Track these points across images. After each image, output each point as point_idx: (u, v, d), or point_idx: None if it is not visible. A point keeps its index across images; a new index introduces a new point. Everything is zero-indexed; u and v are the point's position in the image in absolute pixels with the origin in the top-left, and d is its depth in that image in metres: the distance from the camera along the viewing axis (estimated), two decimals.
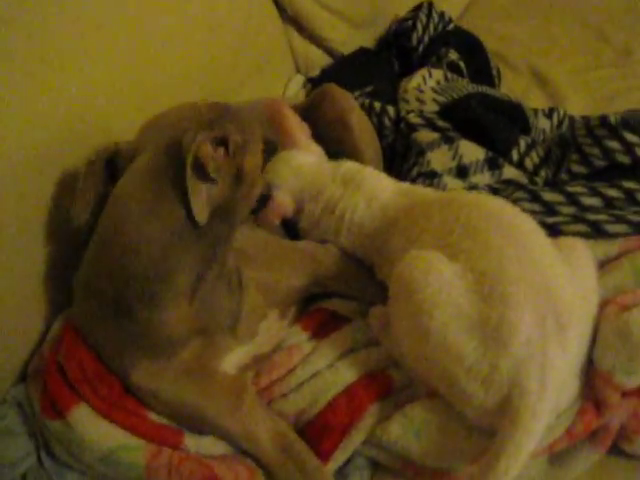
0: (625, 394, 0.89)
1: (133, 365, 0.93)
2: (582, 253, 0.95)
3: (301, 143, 1.23)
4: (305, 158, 1.20)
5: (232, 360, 0.99)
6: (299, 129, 1.25)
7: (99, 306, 0.93)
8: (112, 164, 0.96)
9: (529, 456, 0.81)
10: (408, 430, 0.92)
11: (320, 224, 1.15)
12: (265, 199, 1.12)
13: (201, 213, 0.86)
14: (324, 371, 1.00)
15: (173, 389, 0.94)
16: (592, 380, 0.89)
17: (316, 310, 1.11)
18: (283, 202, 1.15)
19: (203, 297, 0.93)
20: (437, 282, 0.86)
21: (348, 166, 1.17)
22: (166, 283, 0.89)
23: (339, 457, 0.94)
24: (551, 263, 0.89)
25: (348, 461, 0.96)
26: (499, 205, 0.99)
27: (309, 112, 1.31)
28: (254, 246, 1.08)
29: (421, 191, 1.13)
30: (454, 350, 0.84)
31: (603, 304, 0.93)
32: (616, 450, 0.91)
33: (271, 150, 1.09)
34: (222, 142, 0.90)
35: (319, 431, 0.95)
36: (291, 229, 1.21)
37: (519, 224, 0.93)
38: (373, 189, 1.11)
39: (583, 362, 0.89)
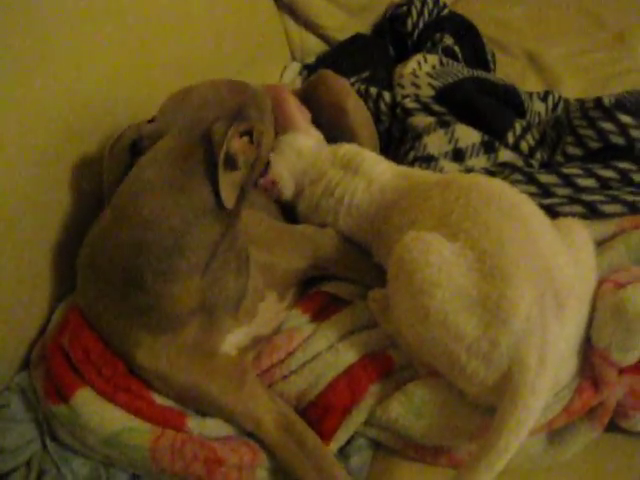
0: (622, 371, 0.89)
1: (137, 344, 0.94)
2: (581, 233, 0.96)
3: (301, 127, 1.24)
4: (306, 141, 1.22)
5: (232, 341, 1.00)
6: (299, 113, 1.26)
7: (105, 282, 0.94)
8: (135, 146, 0.98)
9: (528, 433, 0.81)
10: (408, 409, 0.92)
11: (319, 207, 1.16)
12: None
13: (230, 200, 0.90)
14: (324, 353, 1.01)
15: (176, 369, 0.95)
16: (590, 358, 0.90)
17: (316, 293, 1.12)
18: (279, 174, 1.18)
19: (214, 272, 0.95)
20: (437, 262, 0.87)
21: (347, 148, 1.19)
22: (184, 257, 0.91)
23: (341, 437, 0.95)
24: (550, 243, 0.90)
25: (349, 441, 0.97)
26: (499, 186, 0.99)
27: (305, 98, 1.31)
28: (254, 227, 1.09)
29: (420, 173, 1.14)
30: (454, 328, 0.85)
31: (599, 283, 0.94)
32: (613, 427, 0.92)
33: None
34: (247, 132, 0.94)
35: (320, 412, 0.96)
36: (290, 214, 1.22)
37: (519, 205, 0.94)
38: (372, 172, 1.12)
39: (581, 340, 0.90)
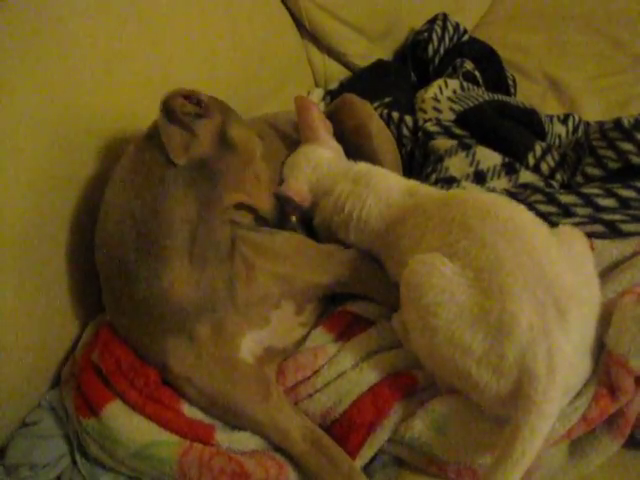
0: None
1: (165, 350, 0.97)
2: (579, 241, 0.98)
3: (321, 138, 1.26)
4: (323, 153, 1.24)
5: (248, 347, 1.01)
6: (322, 125, 1.28)
7: (113, 291, 0.98)
8: None
9: (547, 443, 0.83)
10: (430, 426, 0.93)
11: (332, 221, 1.17)
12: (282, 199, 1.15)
13: (175, 153, 0.94)
14: (349, 371, 1.02)
15: (200, 373, 0.97)
16: (606, 365, 0.91)
17: (340, 312, 1.13)
18: (297, 188, 1.19)
19: (199, 260, 0.97)
20: (440, 283, 0.90)
21: (361, 166, 1.20)
22: (161, 234, 0.94)
23: (365, 454, 0.96)
24: (547, 252, 0.91)
25: (373, 459, 0.98)
26: (494, 201, 1.01)
27: (329, 121, 1.33)
28: (273, 240, 1.11)
29: (424, 190, 1.14)
30: (462, 345, 0.87)
31: (620, 295, 0.95)
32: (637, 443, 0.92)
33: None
34: (196, 103, 0.98)
35: (345, 429, 0.97)
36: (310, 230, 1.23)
37: (514, 218, 0.96)
38: (380, 188, 1.14)
39: (591, 343, 0.90)
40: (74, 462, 1.01)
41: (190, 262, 0.96)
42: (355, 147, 1.30)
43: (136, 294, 0.96)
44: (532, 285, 0.86)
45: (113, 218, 0.97)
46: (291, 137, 1.35)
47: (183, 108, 0.96)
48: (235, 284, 1.01)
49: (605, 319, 0.93)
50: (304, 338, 1.11)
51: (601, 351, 0.92)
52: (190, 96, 0.98)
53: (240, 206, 1.04)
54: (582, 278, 0.92)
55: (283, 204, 1.14)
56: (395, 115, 1.49)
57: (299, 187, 1.19)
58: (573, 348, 0.86)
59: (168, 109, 0.94)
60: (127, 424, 0.95)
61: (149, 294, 0.95)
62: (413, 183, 1.17)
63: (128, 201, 0.96)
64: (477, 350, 0.86)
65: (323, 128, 1.28)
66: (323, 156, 1.23)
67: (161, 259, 0.94)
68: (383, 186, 1.14)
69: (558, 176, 1.34)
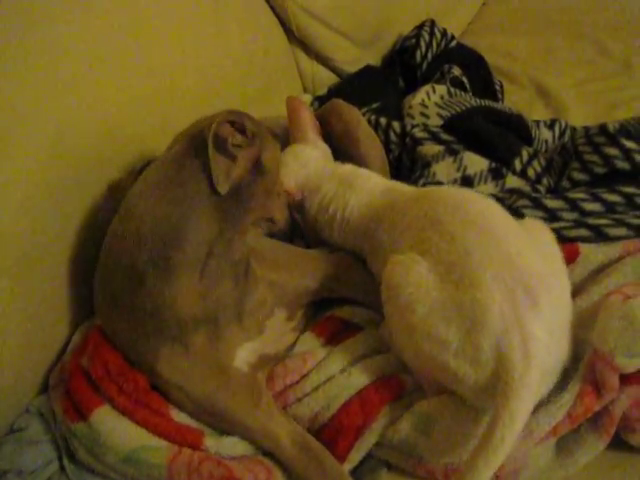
0: (626, 380, 0.91)
1: (155, 355, 0.96)
2: (544, 232, 1.02)
3: (310, 139, 1.28)
4: (312, 153, 1.25)
5: (242, 356, 1.01)
6: (311, 126, 1.29)
7: (114, 288, 0.98)
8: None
9: (533, 441, 0.85)
10: (416, 428, 0.94)
11: (317, 221, 1.19)
12: None
13: (221, 182, 0.94)
14: (338, 376, 1.02)
15: (192, 380, 0.97)
16: (592, 363, 0.91)
17: (329, 318, 1.13)
18: (286, 185, 1.20)
19: (211, 275, 0.97)
20: (415, 280, 0.92)
21: (346, 167, 1.22)
22: (180, 249, 0.94)
23: (354, 458, 0.96)
24: (516, 243, 0.93)
25: (362, 462, 0.98)
26: (464, 196, 1.04)
27: None
28: (267, 248, 1.12)
29: (400, 188, 1.16)
30: (438, 339, 0.88)
31: (607, 295, 0.97)
32: (622, 444, 0.93)
33: None
34: (240, 130, 0.98)
35: (333, 433, 0.97)
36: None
37: (483, 211, 0.98)
38: (362, 189, 1.15)
39: (566, 326, 0.92)
40: (62, 468, 1.01)
41: (200, 277, 0.96)
42: (343, 152, 1.31)
43: (138, 301, 0.95)
44: (502, 275, 0.88)
45: (133, 223, 0.96)
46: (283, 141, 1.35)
47: (233, 140, 0.96)
48: (244, 300, 1.02)
49: (591, 320, 0.94)
50: (294, 343, 1.11)
51: (581, 349, 0.93)
52: (236, 123, 0.97)
53: (257, 221, 1.06)
54: (551, 265, 0.94)
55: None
56: (383, 121, 1.50)
57: (288, 183, 1.21)
58: (547, 332, 0.87)
59: (218, 137, 0.94)
60: (116, 429, 0.94)
61: (151, 303, 0.94)
62: (392, 183, 1.19)
63: (153, 209, 0.95)
64: (453, 342, 0.87)
65: (312, 129, 1.29)
66: (311, 155, 1.25)
67: (171, 272, 0.94)
68: (365, 187, 1.16)
69: (545, 181, 1.35)
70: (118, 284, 0.97)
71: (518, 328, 0.85)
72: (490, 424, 0.83)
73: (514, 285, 0.87)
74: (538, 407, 0.89)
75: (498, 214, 0.99)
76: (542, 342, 0.85)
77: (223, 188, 0.94)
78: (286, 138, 1.32)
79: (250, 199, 1.00)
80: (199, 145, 0.95)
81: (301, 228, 1.24)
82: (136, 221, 0.96)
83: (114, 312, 0.99)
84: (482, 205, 1.00)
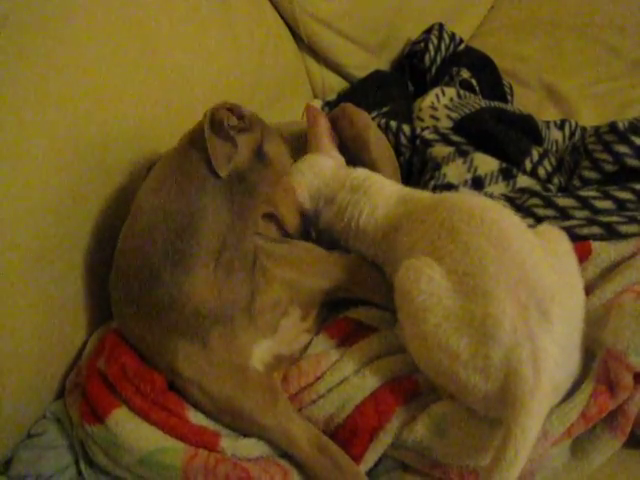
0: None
1: (175, 353, 0.97)
2: (561, 241, 1.00)
3: (326, 149, 1.28)
4: (327, 162, 1.25)
5: (258, 355, 1.02)
6: (328, 135, 1.30)
7: (130, 286, 0.98)
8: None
9: (548, 443, 0.84)
10: (432, 430, 0.94)
11: (333, 230, 1.19)
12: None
13: (220, 165, 0.96)
14: (352, 377, 1.02)
15: (210, 379, 0.97)
16: (605, 362, 0.91)
17: (343, 319, 1.13)
18: (299, 192, 1.21)
19: (225, 267, 0.98)
20: (427, 288, 0.92)
21: (358, 173, 1.22)
22: (193, 239, 0.95)
23: (369, 459, 0.96)
24: (530, 254, 0.92)
25: (377, 463, 0.98)
26: (481, 204, 1.02)
27: None
28: (282, 247, 1.13)
29: (418, 196, 1.15)
30: (449, 349, 0.88)
31: (619, 293, 0.97)
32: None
33: None
34: (238, 116, 1.00)
35: (348, 434, 0.97)
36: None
37: (499, 221, 0.97)
38: (377, 197, 1.15)
39: (578, 340, 0.91)
40: (79, 472, 1.02)
41: (215, 270, 0.97)
42: (353, 157, 1.31)
43: (155, 296, 0.96)
44: (514, 288, 0.88)
45: (144, 218, 0.98)
46: (294, 147, 1.36)
47: (229, 121, 0.98)
48: (255, 295, 1.02)
49: (604, 318, 0.94)
50: (308, 344, 1.11)
51: (594, 349, 0.93)
52: (233, 109, 1.00)
53: (268, 219, 1.08)
54: (565, 278, 0.93)
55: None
56: (393, 124, 1.50)
57: (301, 191, 1.21)
58: (558, 347, 0.86)
59: (214, 121, 0.96)
60: (133, 430, 0.95)
61: (168, 297, 0.95)
62: (408, 190, 1.18)
63: (163, 205, 0.97)
64: (463, 354, 0.87)
65: (329, 139, 1.30)
66: (326, 165, 1.25)
67: (187, 264, 0.95)
68: (380, 195, 1.15)
69: (555, 180, 1.35)
70: (134, 281, 0.98)
71: (529, 342, 0.85)
72: (503, 439, 0.82)
73: (527, 299, 0.87)
74: (552, 408, 0.89)
75: (513, 224, 0.98)
76: (553, 357, 0.85)
77: (222, 170, 0.95)
78: (296, 144, 1.32)
79: (255, 187, 1.02)
80: (200, 135, 0.97)
81: (313, 240, 1.23)
82: (148, 216, 0.97)
83: (131, 311, 1.00)
84: (498, 215, 0.99)
